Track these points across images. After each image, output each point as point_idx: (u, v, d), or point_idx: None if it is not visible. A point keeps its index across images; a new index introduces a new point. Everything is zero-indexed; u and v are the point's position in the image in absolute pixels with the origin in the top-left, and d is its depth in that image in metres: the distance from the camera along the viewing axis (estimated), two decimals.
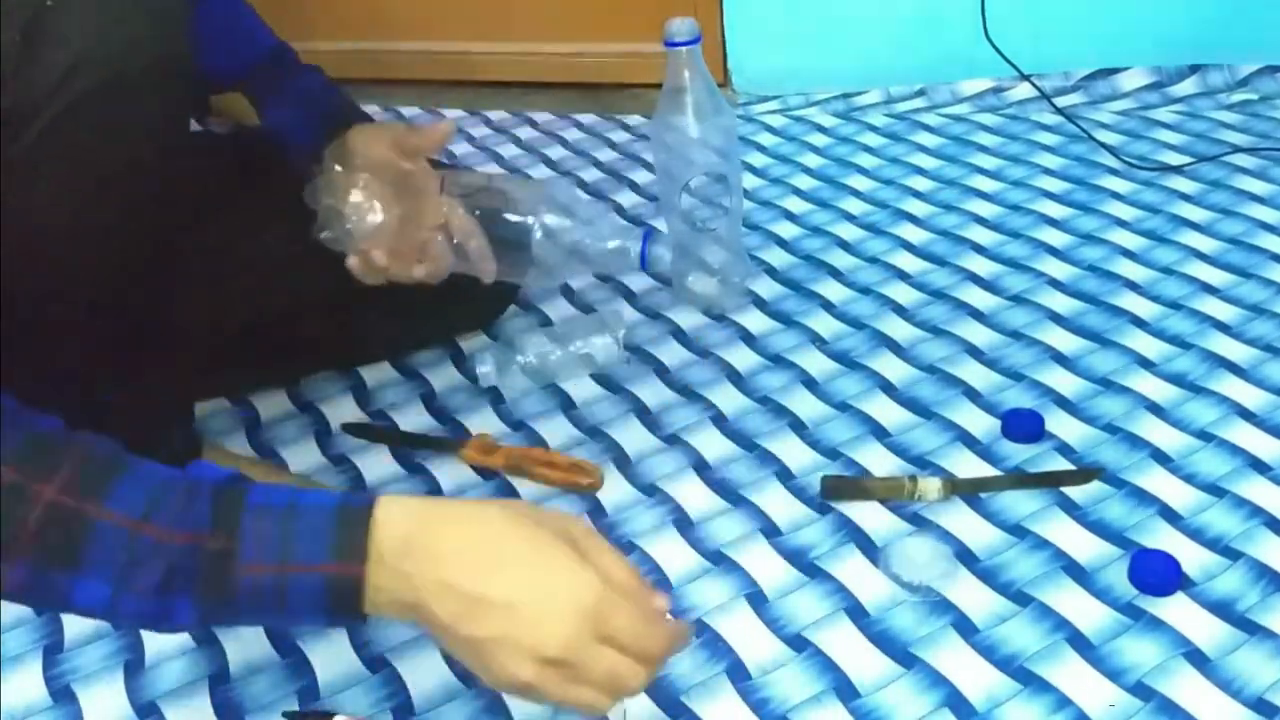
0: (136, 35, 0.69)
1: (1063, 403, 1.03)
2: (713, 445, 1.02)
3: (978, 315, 1.17)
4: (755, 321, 1.20)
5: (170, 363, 0.93)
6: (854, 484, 0.94)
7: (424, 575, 0.61)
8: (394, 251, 0.90)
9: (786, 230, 1.38)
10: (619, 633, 0.62)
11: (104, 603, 0.60)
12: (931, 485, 0.92)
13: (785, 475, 0.98)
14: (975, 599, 0.84)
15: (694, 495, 0.96)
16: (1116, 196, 1.38)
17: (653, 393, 1.10)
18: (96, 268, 0.76)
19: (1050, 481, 0.92)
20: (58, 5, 0.65)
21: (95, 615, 0.62)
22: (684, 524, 0.93)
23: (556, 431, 1.06)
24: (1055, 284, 1.21)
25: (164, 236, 0.83)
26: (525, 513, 0.64)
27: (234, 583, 0.60)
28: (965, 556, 0.88)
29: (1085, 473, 0.92)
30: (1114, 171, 1.43)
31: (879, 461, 0.98)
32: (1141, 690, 0.75)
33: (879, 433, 1.02)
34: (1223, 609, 0.81)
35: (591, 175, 1.57)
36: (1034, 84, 1.61)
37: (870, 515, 0.92)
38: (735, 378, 1.11)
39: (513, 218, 0.94)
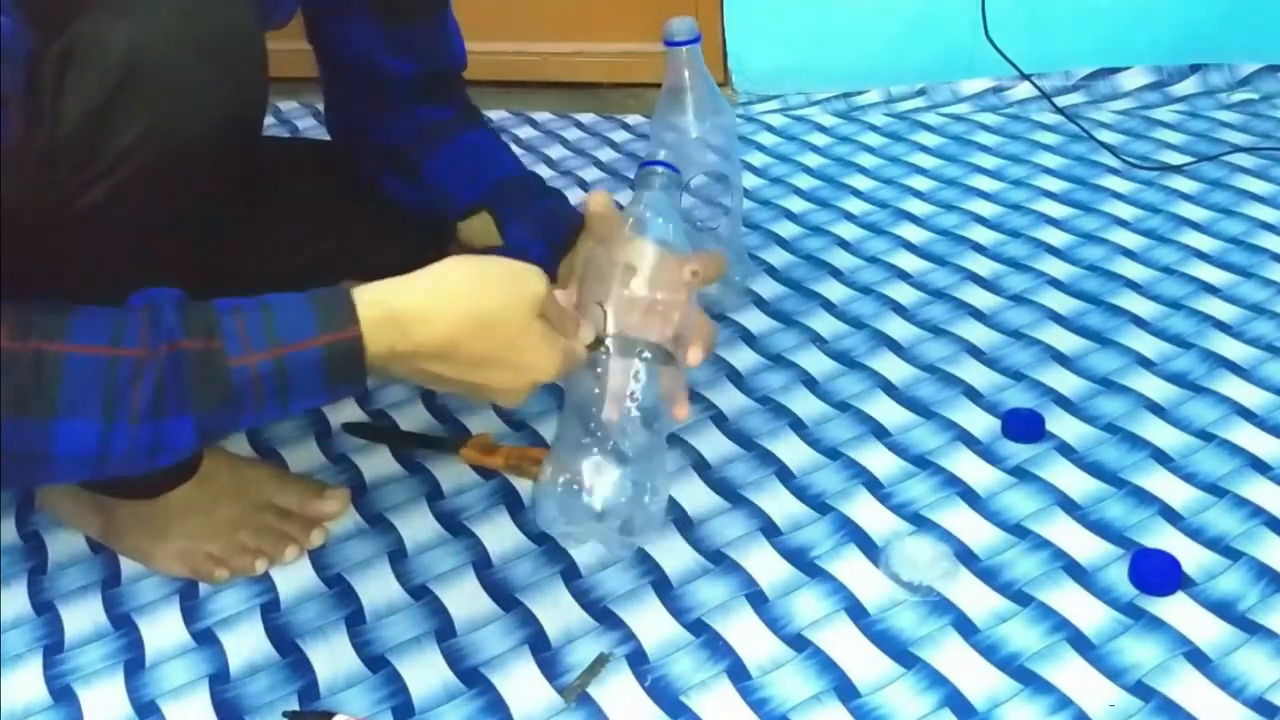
0: (216, 103, 0.69)
1: (1063, 403, 1.03)
2: (713, 445, 1.02)
3: (978, 315, 1.17)
4: (755, 321, 1.20)
5: None
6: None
7: (410, 367, 0.67)
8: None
9: (786, 230, 1.38)
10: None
11: (93, 443, 0.58)
12: None
13: (785, 475, 0.98)
14: (975, 599, 0.84)
15: (694, 495, 0.96)
16: (1117, 196, 1.38)
17: None
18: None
19: None
20: (143, 70, 0.65)
21: (83, 466, 0.60)
22: (684, 524, 0.93)
23: None
24: (1055, 284, 1.21)
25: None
26: (491, 307, 0.67)
27: (228, 379, 0.61)
28: (965, 556, 0.88)
29: None
30: (1114, 171, 1.43)
31: (879, 461, 0.98)
32: (1141, 690, 0.75)
33: (879, 433, 1.02)
34: (1223, 609, 0.81)
35: (592, 175, 1.57)
36: (1034, 84, 1.61)
37: (870, 515, 0.92)
38: (735, 377, 1.11)
39: None
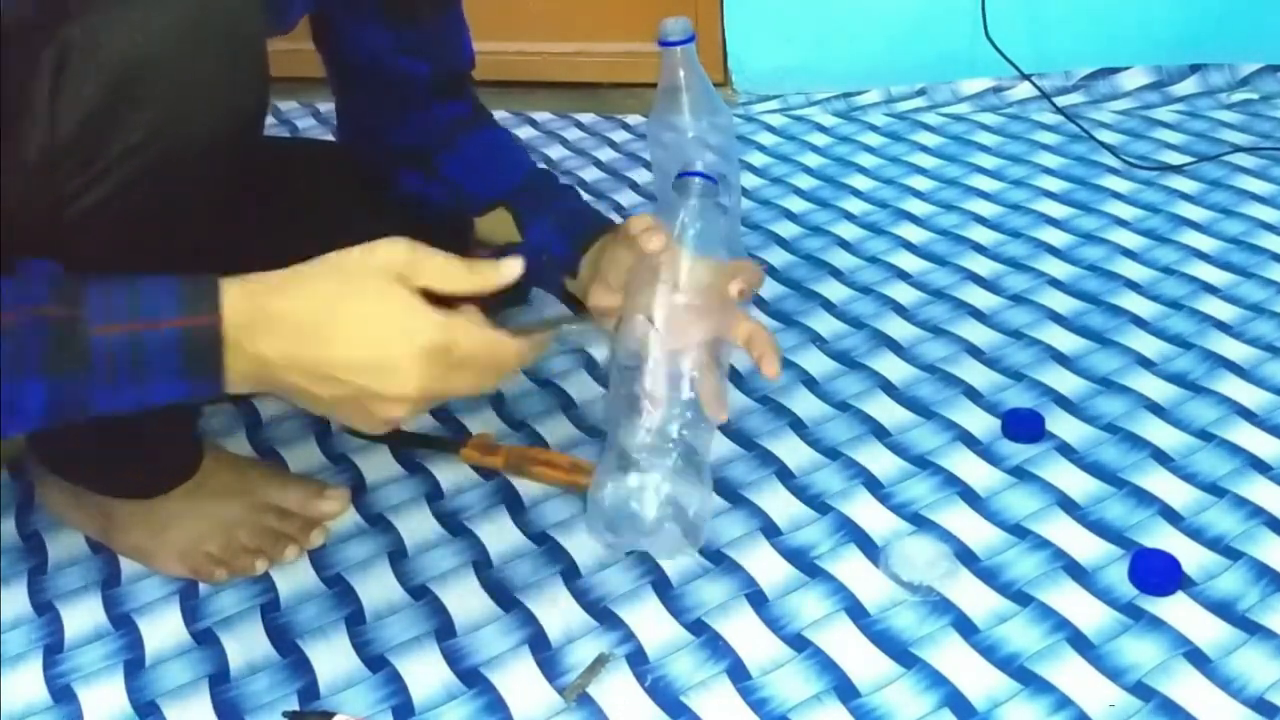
0: (216, 105, 0.69)
1: (1063, 403, 1.03)
2: (713, 445, 1.02)
3: (978, 315, 1.17)
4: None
5: None
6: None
7: (270, 349, 0.63)
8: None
9: (786, 230, 1.38)
10: (468, 357, 0.66)
11: None
12: None
13: (785, 475, 0.98)
14: (975, 599, 0.84)
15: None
16: (1117, 196, 1.38)
17: None
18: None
19: None
20: (144, 68, 0.65)
21: None
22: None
23: (556, 431, 1.05)
24: (1055, 284, 1.21)
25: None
26: (352, 267, 0.65)
27: (85, 346, 0.60)
28: (965, 556, 0.88)
29: None
30: (1114, 171, 1.43)
31: (879, 461, 0.98)
32: (1141, 690, 0.75)
33: (879, 433, 1.02)
34: (1223, 609, 0.81)
35: (592, 175, 1.57)
36: (1034, 84, 1.61)
37: (870, 515, 0.92)
38: (736, 378, 1.11)
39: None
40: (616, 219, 1.44)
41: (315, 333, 0.63)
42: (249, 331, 0.63)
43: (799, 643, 0.82)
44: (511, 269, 0.68)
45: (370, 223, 1.04)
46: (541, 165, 1.05)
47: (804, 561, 0.89)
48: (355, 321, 0.64)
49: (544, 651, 0.83)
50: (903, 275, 1.26)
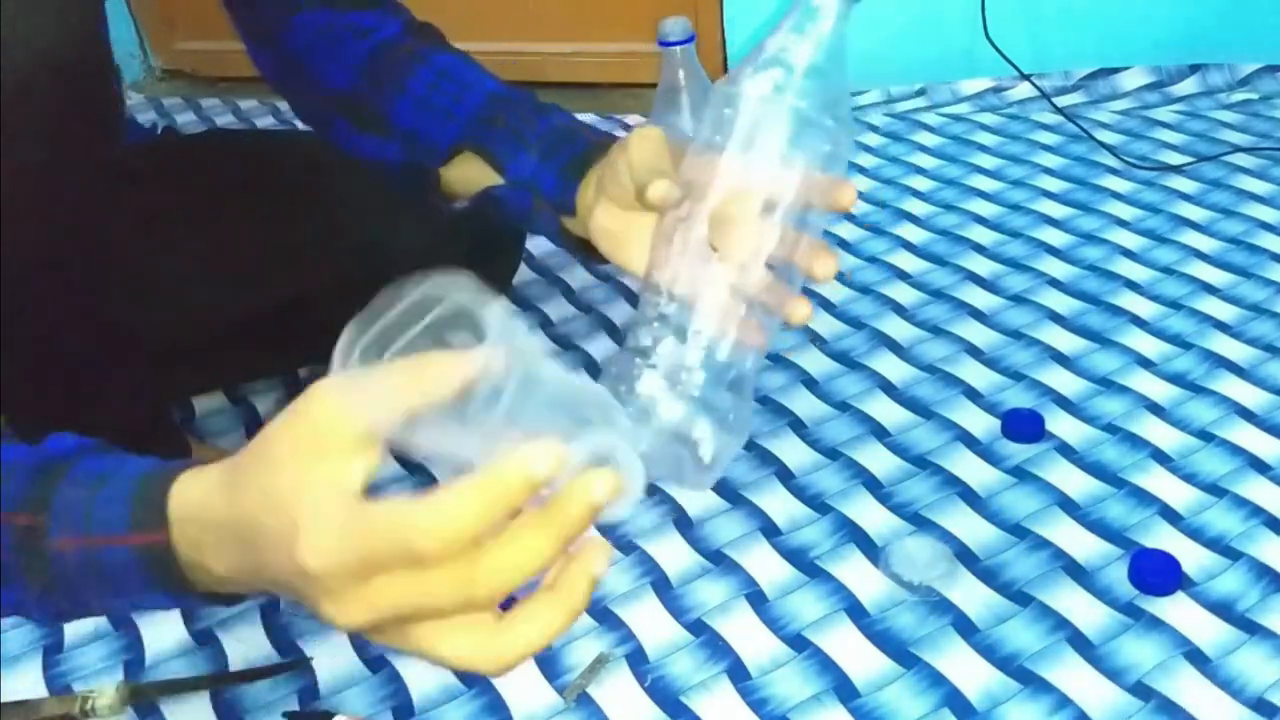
0: (47, 36, 0.68)
1: (1063, 403, 1.03)
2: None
3: (978, 315, 1.17)
4: None
5: (130, 373, 0.91)
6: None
7: (219, 565, 0.51)
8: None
9: None
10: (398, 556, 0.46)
11: None
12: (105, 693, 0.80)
13: (785, 475, 0.98)
14: (975, 599, 0.84)
15: (694, 495, 0.96)
16: (1116, 196, 1.38)
17: None
18: (27, 280, 0.74)
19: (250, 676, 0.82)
20: None
21: None
22: (684, 524, 0.93)
23: None
24: (1055, 284, 1.21)
25: (101, 239, 0.81)
26: (280, 454, 0.48)
27: (47, 560, 0.54)
28: (965, 556, 0.88)
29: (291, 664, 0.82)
30: (1114, 171, 1.43)
31: (879, 461, 0.98)
32: (1141, 690, 0.75)
33: (879, 433, 1.02)
34: (1223, 609, 0.81)
35: None
36: (1034, 84, 1.61)
37: (870, 515, 0.92)
38: None
39: None
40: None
41: (250, 544, 0.50)
42: (198, 550, 0.52)
43: (799, 643, 0.82)
44: (486, 361, 0.46)
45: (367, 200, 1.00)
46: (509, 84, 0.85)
47: (804, 561, 0.89)
48: (278, 534, 0.48)
49: (544, 651, 0.82)
50: (903, 275, 1.26)
